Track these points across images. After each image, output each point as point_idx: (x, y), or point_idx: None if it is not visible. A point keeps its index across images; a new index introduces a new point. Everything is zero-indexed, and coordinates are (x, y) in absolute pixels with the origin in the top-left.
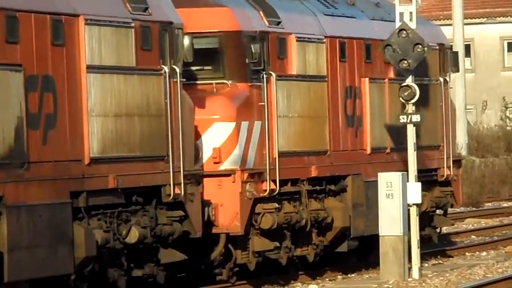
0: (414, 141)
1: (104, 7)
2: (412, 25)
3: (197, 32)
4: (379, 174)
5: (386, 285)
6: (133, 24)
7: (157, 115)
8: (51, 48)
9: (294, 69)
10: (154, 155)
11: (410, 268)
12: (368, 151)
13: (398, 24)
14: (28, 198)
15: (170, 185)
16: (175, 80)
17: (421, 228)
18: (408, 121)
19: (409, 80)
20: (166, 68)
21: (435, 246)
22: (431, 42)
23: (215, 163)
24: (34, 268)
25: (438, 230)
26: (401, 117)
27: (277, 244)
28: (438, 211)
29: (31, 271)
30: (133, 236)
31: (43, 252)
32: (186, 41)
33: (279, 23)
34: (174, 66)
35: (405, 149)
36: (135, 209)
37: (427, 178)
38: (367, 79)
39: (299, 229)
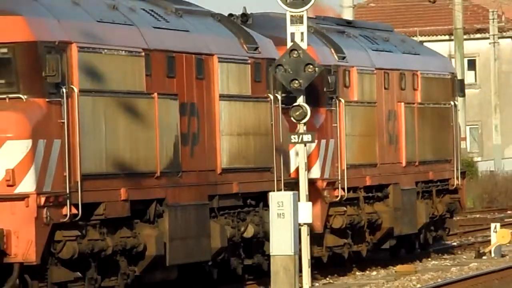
0: (305, 160)
1: (230, 48)
2: (303, 45)
3: None
4: (270, 193)
5: None
6: (249, 61)
7: (265, 134)
8: (196, 81)
9: (355, 96)
10: (263, 167)
11: None
12: (404, 164)
13: (289, 44)
14: (181, 200)
15: (275, 190)
16: (276, 105)
17: (435, 230)
18: (299, 140)
19: (301, 100)
20: (271, 96)
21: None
22: (444, 71)
23: None
24: (185, 255)
25: (447, 231)
26: (292, 136)
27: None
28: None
29: (183, 258)
30: (250, 232)
31: (191, 243)
32: None
33: (344, 57)
34: (276, 95)
35: (428, 162)
36: (249, 210)
37: (442, 186)
38: (402, 103)
39: (358, 228)
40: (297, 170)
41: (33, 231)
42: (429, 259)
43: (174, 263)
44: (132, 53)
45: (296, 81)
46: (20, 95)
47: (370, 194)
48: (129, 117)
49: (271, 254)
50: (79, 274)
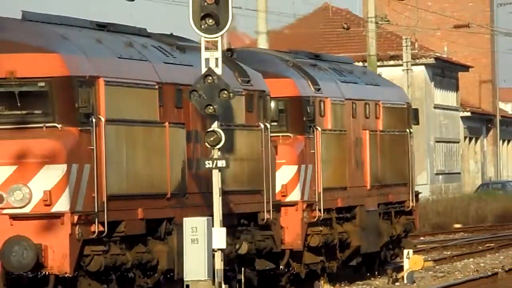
0: (220, 186)
1: (227, 81)
2: (218, 71)
3: (276, 96)
4: (184, 219)
5: None
6: (243, 93)
7: (256, 159)
8: (198, 111)
9: (329, 125)
10: (255, 189)
11: None
12: (368, 187)
13: (203, 69)
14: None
15: (264, 211)
16: (266, 133)
17: (392, 248)
18: (214, 166)
19: (215, 126)
20: (262, 125)
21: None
22: (400, 101)
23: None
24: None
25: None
26: (206, 162)
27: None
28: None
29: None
30: (244, 249)
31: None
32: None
33: (319, 89)
34: (266, 124)
35: (388, 185)
36: (242, 229)
37: (399, 208)
38: (367, 131)
39: (331, 247)
40: (280, 192)
41: (68, 246)
42: (342, 285)
43: (181, 277)
44: (148, 86)
45: (211, 107)
46: (56, 124)
47: (341, 215)
48: (145, 144)
49: (184, 279)
50: (105, 286)
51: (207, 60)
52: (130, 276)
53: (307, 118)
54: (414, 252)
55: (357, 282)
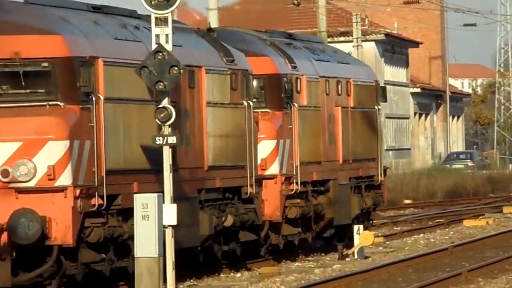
0: (170, 162)
1: (213, 60)
2: (168, 47)
3: (255, 74)
4: (134, 195)
5: None
6: (228, 72)
7: (240, 135)
8: (188, 89)
9: (305, 101)
10: (239, 164)
11: None
12: (341, 161)
13: (154, 46)
14: (178, 193)
15: (247, 186)
16: (249, 111)
17: (362, 221)
18: (164, 142)
19: (165, 102)
20: (245, 103)
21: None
22: (369, 79)
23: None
24: (181, 241)
25: (371, 223)
26: (156, 138)
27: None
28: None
29: (179, 243)
30: (229, 221)
31: (185, 230)
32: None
33: (295, 67)
34: (249, 101)
35: (359, 160)
36: (227, 202)
37: (368, 182)
38: (339, 108)
39: (307, 219)
40: (259, 166)
41: (70, 218)
42: (293, 261)
43: (174, 248)
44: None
45: (161, 83)
46: (59, 103)
47: (316, 188)
48: (139, 121)
49: (135, 256)
50: (104, 255)
51: (157, 36)
52: (126, 247)
53: (285, 95)
54: (365, 228)
55: (307, 258)
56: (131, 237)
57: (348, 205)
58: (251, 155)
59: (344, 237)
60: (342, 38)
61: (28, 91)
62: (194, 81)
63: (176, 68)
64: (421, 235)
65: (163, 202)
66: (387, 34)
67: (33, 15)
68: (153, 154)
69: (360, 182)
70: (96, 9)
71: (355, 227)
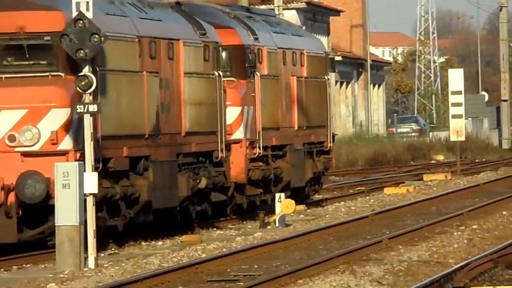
0: (91, 130)
1: (188, 34)
2: (89, 14)
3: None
4: (55, 164)
5: (61, 275)
6: (201, 44)
7: (211, 104)
8: (168, 61)
9: (266, 71)
10: (211, 130)
11: (86, 258)
12: (296, 128)
13: (74, 13)
14: (160, 157)
15: (218, 150)
16: (219, 81)
17: (313, 184)
18: (85, 110)
19: (86, 70)
20: (216, 73)
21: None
22: (319, 51)
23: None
24: (163, 202)
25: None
26: (78, 107)
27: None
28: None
29: (162, 203)
30: (203, 183)
31: (166, 192)
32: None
33: (257, 39)
34: (220, 72)
35: (311, 127)
36: (200, 166)
37: (319, 148)
38: (295, 77)
39: (268, 181)
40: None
41: None
42: (214, 229)
43: (157, 207)
44: (130, 39)
45: (82, 51)
46: (60, 73)
47: (275, 153)
48: (128, 91)
49: (56, 224)
50: (99, 214)
51: (77, 3)
52: (117, 207)
53: (249, 65)
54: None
55: (229, 226)
56: (122, 198)
57: (303, 169)
58: (221, 122)
59: (298, 198)
60: (263, 6)
61: (31, 62)
62: (173, 53)
63: (97, 36)
64: (342, 203)
65: (84, 170)
66: (308, 2)
67: None
68: (140, 121)
69: (312, 147)
70: None
71: (277, 195)
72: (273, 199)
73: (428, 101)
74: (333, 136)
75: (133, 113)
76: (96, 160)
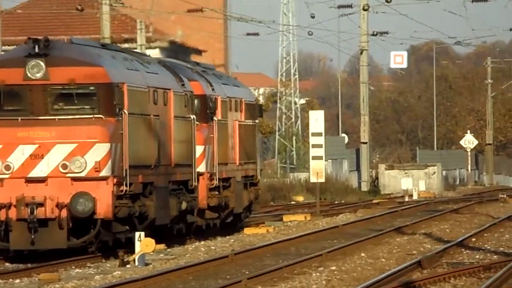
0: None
1: (174, 84)
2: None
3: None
4: None
5: None
6: (183, 93)
7: (189, 141)
8: (163, 106)
9: (220, 116)
10: (188, 163)
11: None
12: (237, 163)
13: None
14: (159, 183)
15: (192, 179)
16: (193, 123)
17: (245, 212)
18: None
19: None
20: (192, 116)
21: None
22: (252, 99)
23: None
24: (162, 219)
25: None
26: None
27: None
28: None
29: (161, 220)
30: (183, 206)
31: (163, 211)
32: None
33: (214, 89)
34: (193, 115)
35: (246, 162)
36: (180, 192)
37: (251, 180)
38: (237, 121)
39: (219, 207)
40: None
41: (110, 199)
42: (73, 267)
43: (159, 224)
44: (143, 89)
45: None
46: (101, 116)
47: (223, 184)
48: (143, 130)
49: None
50: (127, 227)
51: None
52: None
53: (210, 111)
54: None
55: (87, 265)
56: (139, 213)
57: (242, 197)
58: (194, 156)
59: (240, 221)
60: (126, 45)
61: (78, 107)
62: (167, 100)
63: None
64: (202, 242)
65: None
66: (171, 42)
67: (80, 52)
68: (149, 155)
69: (247, 180)
70: (103, 45)
71: (136, 234)
72: (222, 223)
73: (288, 142)
74: (261, 171)
75: (145, 148)
76: (125, 185)
